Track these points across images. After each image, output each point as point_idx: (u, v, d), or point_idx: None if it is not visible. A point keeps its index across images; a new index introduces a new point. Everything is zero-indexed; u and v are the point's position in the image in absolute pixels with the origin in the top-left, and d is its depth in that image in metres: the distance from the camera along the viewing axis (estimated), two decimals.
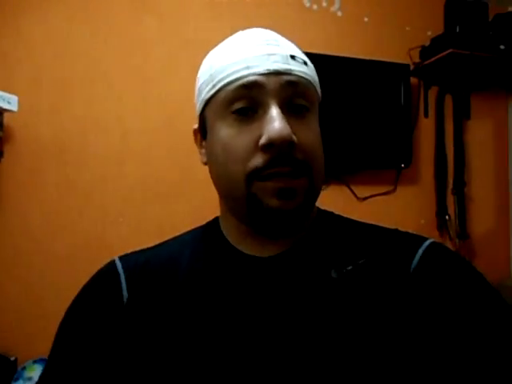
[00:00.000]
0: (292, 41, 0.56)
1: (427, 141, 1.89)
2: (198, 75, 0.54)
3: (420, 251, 0.50)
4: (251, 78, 0.47)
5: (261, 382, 0.45)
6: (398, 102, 1.77)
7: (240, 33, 0.53)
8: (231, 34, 0.55)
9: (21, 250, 1.39)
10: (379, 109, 1.74)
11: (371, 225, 0.57)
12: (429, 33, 1.84)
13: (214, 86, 0.50)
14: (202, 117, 0.53)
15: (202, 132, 0.54)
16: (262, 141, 0.46)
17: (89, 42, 1.49)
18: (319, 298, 0.49)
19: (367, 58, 1.73)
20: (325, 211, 0.59)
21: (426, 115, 1.87)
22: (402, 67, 1.78)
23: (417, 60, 1.83)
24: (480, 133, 1.96)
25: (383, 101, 1.75)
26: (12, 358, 1.30)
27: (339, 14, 1.79)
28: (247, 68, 0.48)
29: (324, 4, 1.77)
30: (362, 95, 1.72)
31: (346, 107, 1.70)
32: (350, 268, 0.50)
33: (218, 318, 0.50)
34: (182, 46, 1.56)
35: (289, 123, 0.47)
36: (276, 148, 0.46)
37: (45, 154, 1.43)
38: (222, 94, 0.49)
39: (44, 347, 1.33)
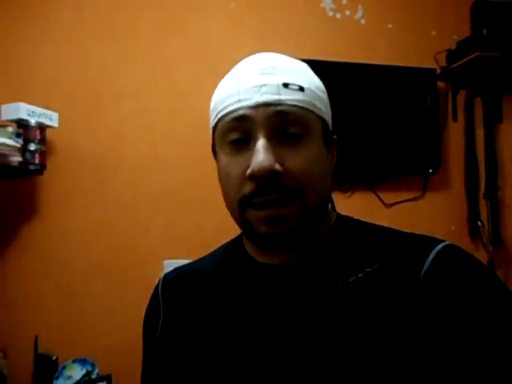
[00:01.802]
0: (298, 60, 0.56)
1: (456, 145, 1.85)
2: (211, 103, 0.58)
3: (431, 256, 0.49)
4: (241, 112, 0.50)
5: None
6: (426, 107, 1.75)
7: (241, 62, 0.56)
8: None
9: (60, 257, 1.48)
10: (406, 114, 1.73)
11: (388, 229, 0.56)
12: (455, 36, 1.81)
13: (215, 116, 0.54)
14: (213, 142, 0.58)
15: (214, 152, 0.59)
16: (248, 172, 0.49)
17: (119, 62, 1.58)
18: (326, 304, 0.50)
19: (393, 64, 1.73)
20: (344, 217, 0.60)
21: (455, 119, 1.84)
22: (429, 72, 1.77)
23: (443, 64, 1.81)
24: None
25: (410, 106, 1.74)
26: (53, 358, 1.38)
27: (363, 21, 1.80)
28: (239, 101, 0.51)
29: (347, 12, 1.79)
30: (389, 102, 1.72)
31: (374, 114, 1.70)
32: (358, 276, 0.50)
33: (227, 323, 0.54)
34: (206, 63, 1.63)
35: (280, 152, 0.49)
36: (259, 178, 0.48)
37: (82, 166, 1.52)
38: (221, 125, 0.53)
39: (82, 347, 1.42)
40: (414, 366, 0.45)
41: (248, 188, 0.50)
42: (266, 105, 0.49)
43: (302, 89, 0.51)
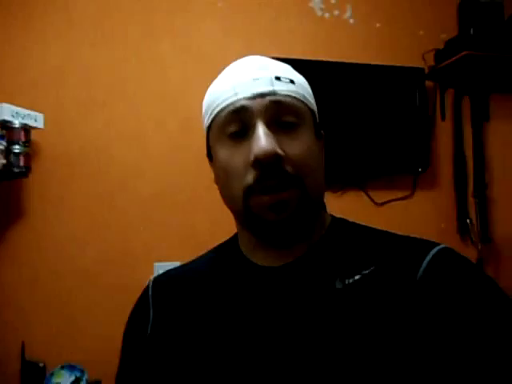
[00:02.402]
0: (285, 61, 0.58)
1: (445, 144, 1.87)
2: (202, 106, 0.58)
3: (427, 259, 0.50)
4: (238, 104, 0.52)
5: None
6: (414, 106, 1.76)
7: (232, 64, 0.58)
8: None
9: (48, 262, 1.45)
10: (395, 114, 1.74)
11: (383, 231, 0.57)
12: (443, 36, 1.83)
13: (211, 113, 0.55)
14: (208, 142, 0.58)
15: (209, 156, 0.59)
16: (250, 158, 0.50)
17: (109, 62, 1.56)
18: (323, 307, 0.50)
19: (382, 63, 1.74)
20: (338, 219, 0.60)
21: (443, 118, 1.86)
22: (417, 71, 1.78)
23: (431, 63, 1.82)
24: (501, 134, 1.92)
25: (399, 105, 1.74)
26: (41, 365, 1.35)
27: (351, 21, 1.80)
28: (235, 94, 0.52)
29: (336, 12, 1.79)
30: (378, 101, 1.72)
31: (362, 114, 1.70)
32: (355, 279, 0.51)
33: (223, 326, 0.53)
34: (197, 63, 1.61)
35: (278, 139, 0.50)
36: (263, 163, 0.49)
37: (70, 168, 1.49)
38: (218, 120, 0.54)
39: (70, 354, 1.39)
40: (413, 366, 0.45)
41: (251, 176, 0.51)
42: (262, 95, 0.52)
43: (292, 81, 0.54)
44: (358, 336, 0.47)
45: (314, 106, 0.58)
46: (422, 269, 0.49)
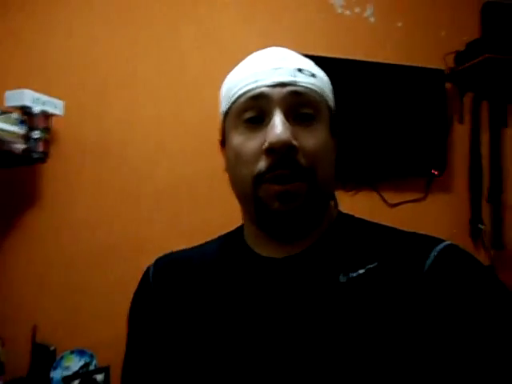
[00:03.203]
0: (309, 56, 0.58)
1: (461, 148, 1.85)
2: (220, 92, 0.59)
3: (433, 253, 0.50)
4: (258, 90, 0.52)
5: (265, 379, 0.48)
6: (432, 108, 1.74)
7: (254, 53, 0.58)
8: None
9: (62, 247, 1.47)
10: (413, 115, 1.72)
11: (389, 227, 0.57)
12: (465, 38, 1.80)
13: (229, 99, 0.55)
14: (223, 128, 0.58)
15: (223, 142, 0.59)
16: (265, 145, 0.50)
17: (129, 50, 1.56)
18: (327, 300, 0.50)
19: (401, 63, 1.72)
20: (345, 214, 0.60)
21: (461, 122, 1.84)
22: (437, 72, 1.76)
23: (452, 65, 1.80)
24: None
25: (417, 107, 1.73)
26: (51, 348, 1.37)
27: (372, 19, 1.79)
28: (255, 81, 0.53)
29: (357, 10, 1.78)
30: (396, 101, 1.71)
31: (380, 113, 1.69)
32: (359, 273, 0.51)
33: (226, 315, 0.53)
34: (217, 52, 1.61)
35: (294, 130, 0.51)
36: (277, 151, 0.49)
37: (87, 155, 1.51)
38: (236, 106, 0.54)
39: (81, 339, 1.41)
40: (416, 359, 0.45)
41: (264, 163, 0.51)
42: (282, 85, 0.52)
43: (314, 75, 0.55)
44: (360, 329, 0.47)
45: (333, 104, 0.58)
46: (427, 264, 0.49)
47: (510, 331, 0.45)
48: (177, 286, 0.58)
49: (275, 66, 0.53)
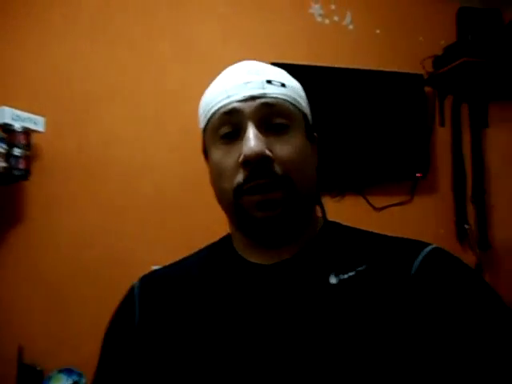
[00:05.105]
0: (278, 66, 0.60)
1: (444, 150, 1.87)
2: (199, 108, 0.60)
3: (420, 256, 0.51)
4: (231, 106, 0.54)
5: None
6: (413, 112, 1.77)
7: (227, 69, 0.59)
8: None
9: (47, 265, 1.44)
10: (394, 119, 1.75)
11: (376, 233, 0.59)
12: (442, 42, 1.84)
13: (205, 116, 0.57)
14: (203, 143, 0.60)
15: (206, 157, 0.60)
16: (240, 159, 0.52)
17: (108, 66, 1.57)
18: (318, 304, 0.51)
19: (381, 69, 1.75)
20: (331, 222, 0.61)
21: (442, 124, 1.87)
22: (416, 77, 1.79)
23: (430, 70, 1.83)
24: (499, 141, 1.92)
25: (398, 111, 1.75)
26: (38, 368, 1.34)
27: (351, 27, 1.82)
28: (228, 97, 0.54)
29: (335, 18, 1.81)
30: (377, 107, 1.73)
31: (361, 119, 1.71)
32: (349, 275, 0.52)
33: (217, 324, 0.53)
34: (197, 66, 1.62)
35: (268, 141, 0.52)
36: (252, 163, 0.51)
37: (69, 171, 1.50)
38: (212, 122, 0.56)
39: (68, 358, 1.39)
40: (406, 360, 0.46)
41: (241, 175, 0.52)
42: (253, 98, 0.53)
43: (284, 85, 0.56)
44: (352, 331, 0.48)
45: (307, 109, 0.59)
46: (415, 266, 0.50)
47: (495, 331, 0.46)
48: (165, 301, 0.58)
49: (245, 80, 0.54)
